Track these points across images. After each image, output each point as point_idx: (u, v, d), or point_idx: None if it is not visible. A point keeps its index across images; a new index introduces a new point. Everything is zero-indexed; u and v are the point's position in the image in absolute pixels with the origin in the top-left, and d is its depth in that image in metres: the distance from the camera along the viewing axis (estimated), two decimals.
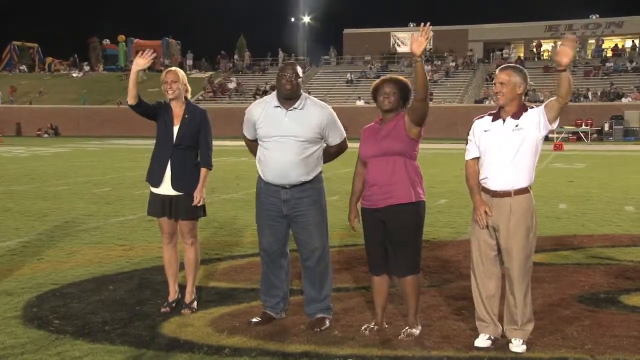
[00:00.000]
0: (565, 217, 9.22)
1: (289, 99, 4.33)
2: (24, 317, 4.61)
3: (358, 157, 4.34)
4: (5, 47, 56.72)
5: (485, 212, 3.98)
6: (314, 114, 4.34)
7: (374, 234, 4.22)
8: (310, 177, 4.35)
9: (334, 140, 4.46)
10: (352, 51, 50.64)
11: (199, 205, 4.72)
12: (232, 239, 7.55)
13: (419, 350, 4.02)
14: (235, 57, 50.58)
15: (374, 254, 4.26)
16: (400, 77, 4.31)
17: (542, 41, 47.41)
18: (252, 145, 4.57)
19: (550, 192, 12.17)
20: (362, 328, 4.33)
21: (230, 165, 18.15)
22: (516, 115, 3.96)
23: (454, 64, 45.13)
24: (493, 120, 4.04)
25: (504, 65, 4.09)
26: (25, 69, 53.93)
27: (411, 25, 55.41)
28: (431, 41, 52.14)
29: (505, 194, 3.95)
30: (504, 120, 3.98)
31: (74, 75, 51.38)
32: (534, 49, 47.07)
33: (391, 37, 53.26)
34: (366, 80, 44.59)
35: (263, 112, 4.40)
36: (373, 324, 4.35)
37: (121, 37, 54.06)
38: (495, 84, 4.00)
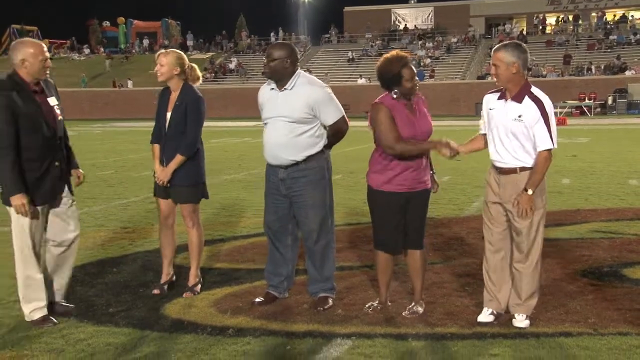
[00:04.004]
0: (568, 192, 9.19)
1: (274, 81, 4.31)
2: None
3: (393, 137, 4.00)
4: (4, 30, 56.47)
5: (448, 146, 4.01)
6: (302, 94, 4.27)
7: (397, 216, 4.16)
8: (302, 157, 4.30)
9: (327, 119, 4.34)
10: (352, 29, 50.26)
11: (164, 185, 4.63)
12: (234, 220, 7.55)
13: (423, 327, 4.02)
14: (242, 36, 50.09)
15: (392, 233, 4.20)
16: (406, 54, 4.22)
17: (545, 15, 46.97)
18: None
19: (553, 166, 12.05)
20: (366, 306, 4.33)
21: (232, 146, 18.12)
22: (518, 98, 3.87)
23: (455, 39, 44.77)
24: (499, 98, 4.00)
25: (497, 46, 4.00)
26: None
27: (412, 2, 54.98)
28: (432, 17, 51.82)
29: (511, 171, 3.93)
30: (506, 100, 3.94)
31: (75, 58, 51.19)
32: (537, 24, 46.64)
33: (392, 14, 52.79)
34: (367, 58, 44.33)
35: (264, 95, 4.44)
36: (377, 302, 4.35)
37: (120, 19, 53.78)
38: (491, 65, 3.97)
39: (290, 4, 56.39)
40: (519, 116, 3.85)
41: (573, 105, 32.66)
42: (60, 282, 4.37)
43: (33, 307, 4.12)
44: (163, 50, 4.81)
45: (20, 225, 4.06)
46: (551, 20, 47.50)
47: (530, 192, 3.85)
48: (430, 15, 51.89)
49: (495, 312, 4.11)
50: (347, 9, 54.17)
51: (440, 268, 5.29)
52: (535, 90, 3.91)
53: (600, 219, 7.26)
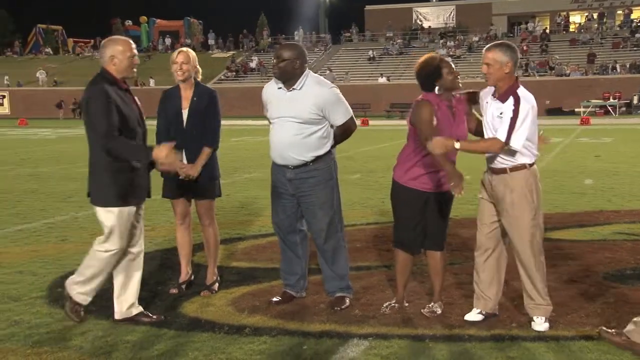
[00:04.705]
0: (591, 193, 9.07)
1: (282, 81, 4.30)
2: (48, 297, 4.68)
3: (430, 134, 3.92)
4: (30, 30, 57.29)
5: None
6: (311, 95, 4.25)
7: (418, 215, 4.14)
8: (311, 157, 4.28)
9: (336, 120, 4.33)
10: (374, 28, 50.15)
11: (190, 180, 4.59)
12: (253, 218, 7.56)
13: (441, 328, 3.98)
14: (263, 34, 50.24)
15: (412, 232, 4.18)
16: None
17: (569, 13, 46.40)
18: None
19: (576, 167, 11.99)
20: (383, 306, 4.31)
21: (252, 144, 18.17)
22: (503, 97, 3.86)
23: (477, 38, 44.43)
24: (492, 94, 3.98)
25: (490, 45, 3.97)
26: (50, 52, 54.43)
27: (433, 0, 54.69)
28: (454, 16, 51.49)
29: (501, 171, 3.93)
30: (494, 98, 3.93)
31: (98, 57, 51.73)
32: (560, 22, 46.10)
33: (413, 13, 52.60)
34: (388, 57, 44.22)
35: (271, 93, 4.41)
36: (394, 301, 4.33)
37: (143, 18, 54.27)
38: (482, 64, 3.93)
39: (312, 3, 56.38)
40: (500, 114, 3.84)
41: (597, 105, 32.26)
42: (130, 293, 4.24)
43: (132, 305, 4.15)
44: (183, 49, 4.81)
45: (115, 228, 3.96)
46: (575, 18, 46.92)
47: (457, 145, 3.77)
48: (452, 14, 51.60)
49: (484, 311, 4.09)
50: (368, 7, 54.09)
51: (458, 269, 5.24)
52: (521, 90, 3.86)
53: (624, 221, 7.15)
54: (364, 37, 49.65)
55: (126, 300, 4.19)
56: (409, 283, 4.44)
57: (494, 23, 47.24)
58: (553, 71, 37.77)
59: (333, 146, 4.44)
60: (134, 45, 4.11)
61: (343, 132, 4.43)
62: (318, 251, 4.51)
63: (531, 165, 3.92)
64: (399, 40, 46.06)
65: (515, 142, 3.79)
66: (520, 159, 3.88)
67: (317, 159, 4.31)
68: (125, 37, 4.19)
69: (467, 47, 43.41)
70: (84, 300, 4.13)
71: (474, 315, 4.11)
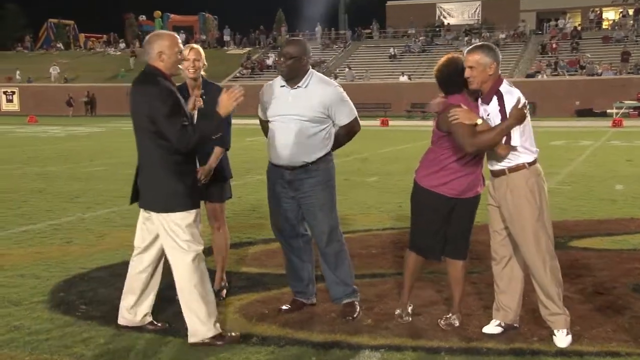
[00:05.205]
0: (621, 199, 8.94)
1: (288, 79, 4.29)
2: (50, 301, 4.70)
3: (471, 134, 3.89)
4: (42, 25, 57.96)
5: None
6: (317, 93, 4.26)
7: (440, 221, 4.11)
8: (313, 158, 4.28)
9: (341, 119, 4.34)
10: (395, 24, 50.03)
11: (203, 181, 4.58)
12: (265, 222, 7.49)
13: (458, 341, 3.94)
14: (281, 31, 50.43)
15: (431, 239, 4.15)
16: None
17: (602, 9, 45.91)
18: (265, 126, 4.54)
19: (606, 171, 11.83)
20: (396, 314, 4.29)
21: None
22: (487, 100, 3.88)
23: (503, 35, 44.13)
24: (480, 98, 4.00)
25: (471, 47, 3.96)
26: (62, 47, 55.04)
27: None
28: (479, 12, 51.20)
29: (501, 172, 3.93)
30: (480, 101, 3.95)
31: (111, 52, 52.20)
32: (593, 18, 45.61)
33: (437, 9, 52.39)
34: (410, 54, 44.05)
35: (271, 92, 4.41)
36: (405, 309, 4.31)
37: (157, 13, 54.66)
38: (465, 67, 3.89)
39: None
40: (488, 115, 3.86)
41: (631, 106, 31.83)
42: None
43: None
44: (194, 45, 4.83)
45: (195, 230, 3.90)
46: (608, 14, 46.39)
47: (479, 121, 3.80)
48: (478, 10, 51.33)
49: (503, 323, 4.05)
50: (389, 3, 54.02)
51: (477, 277, 5.18)
52: (503, 87, 3.86)
53: None
54: (385, 34, 49.54)
55: (142, 310, 4.16)
56: (423, 291, 4.40)
57: (522, 19, 46.89)
58: (584, 70, 37.37)
59: (335, 148, 4.45)
60: (180, 40, 4.03)
61: (347, 133, 4.44)
62: (320, 256, 4.49)
63: (531, 164, 3.88)
64: (421, 38, 45.87)
65: (514, 140, 3.79)
66: (518, 159, 3.86)
67: (318, 160, 4.31)
68: (171, 32, 4.11)
69: (494, 44, 43.15)
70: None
71: (492, 328, 4.06)
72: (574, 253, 6.01)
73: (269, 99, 4.41)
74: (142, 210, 4.04)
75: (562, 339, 3.85)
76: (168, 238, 3.90)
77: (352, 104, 4.41)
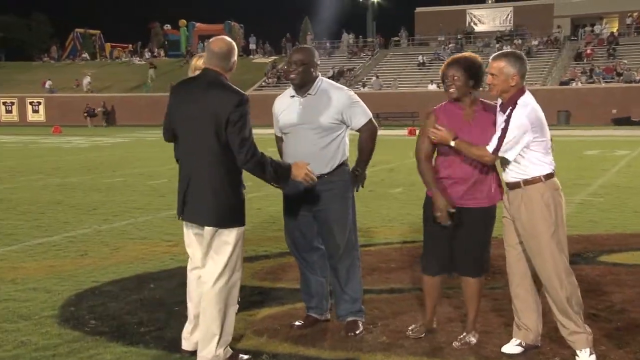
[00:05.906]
0: None
1: (299, 87, 4.28)
2: (60, 316, 4.72)
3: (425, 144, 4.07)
4: (68, 35, 59.00)
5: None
6: (328, 99, 4.26)
7: (441, 232, 4.05)
8: (329, 169, 4.26)
9: (358, 121, 4.30)
10: (424, 31, 49.86)
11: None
12: (283, 235, 7.51)
13: None
14: (307, 39, 50.63)
15: (440, 253, 4.10)
16: (466, 55, 4.10)
17: None
18: (280, 146, 4.54)
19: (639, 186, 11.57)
20: (409, 328, 4.24)
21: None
22: (504, 109, 3.82)
23: (536, 42, 43.71)
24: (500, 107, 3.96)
25: (497, 53, 3.89)
26: (88, 57, 55.94)
27: (489, 1, 54.08)
28: (511, 18, 50.77)
29: (516, 185, 3.87)
30: (499, 111, 3.90)
31: (136, 61, 52.88)
32: (631, 23, 44.88)
33: (467, 15, 52.08)
34: (439, 62, 43.72)
35: (282, 104, 4.42)
36: (420, 324, 4.24)
37: (182, 22, 55.25)
38: (487, 74, 3.85)
39: (359, 6, 56.51)
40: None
41: None
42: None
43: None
44: (202, 54, 4.82)
45: (240, 247, 3.84)
46: None
47: (452, 143, 3.87)
48: (509, 16, 50.88)
49: (523, 343, 3.96)
50: (418, 9, 53.84)
51: (500, 294, 5.07)
52: (522, 98, 3.79)
53: None
54: (413, 41, 49.41)
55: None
56: (440, 307, 4.32)
57: (557, 25, 46.37)
58: (621, 77, 36.80)
59: (366, 159, 4.39)
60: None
61: (369, 136, 4.35)
62: (331, 271, 4.46)
63: (547, 177, 3.80)
64: (451, 45, 45.66)
65: (508, 153, 3.74)
66: (533, 171, 3.79)
67: (334, 171, 4.29)
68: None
69: (526, 51, 42.68)
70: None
71: (512, 347, 3.97)
72: (602, 268, 5.87)
73: (280, 110, 4.41)
74: (188, 224, 3.90)
75: (585, 359, 3.75)
76: (216, 255, 3.79)
77: (364, 105, 4.38)
